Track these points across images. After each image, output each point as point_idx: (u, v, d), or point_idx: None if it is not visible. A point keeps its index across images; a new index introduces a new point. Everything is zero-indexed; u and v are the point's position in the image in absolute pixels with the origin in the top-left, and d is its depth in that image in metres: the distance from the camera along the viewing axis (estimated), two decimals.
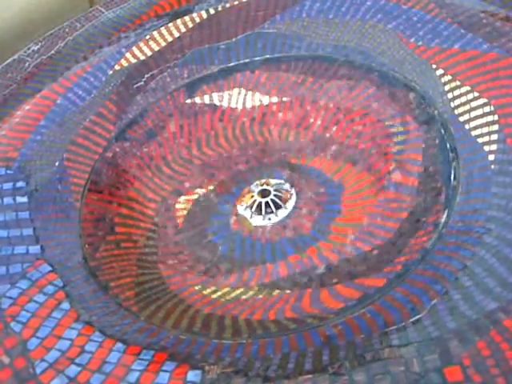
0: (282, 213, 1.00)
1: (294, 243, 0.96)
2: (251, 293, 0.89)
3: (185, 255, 0.98)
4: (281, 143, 1.11)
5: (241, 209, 1.03)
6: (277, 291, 0.89)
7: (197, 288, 0.92)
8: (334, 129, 1.07)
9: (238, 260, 0.96)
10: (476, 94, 0.91)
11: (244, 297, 0.89)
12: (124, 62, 1.15)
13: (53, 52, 1.21)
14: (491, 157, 0.83)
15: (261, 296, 0.89)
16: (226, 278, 0.93)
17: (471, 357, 0.61)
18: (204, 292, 0.91)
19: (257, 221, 1.00)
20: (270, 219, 1.00)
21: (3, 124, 1.07)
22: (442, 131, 0.92)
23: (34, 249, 0.87)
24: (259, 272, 0.93)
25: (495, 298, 0.67)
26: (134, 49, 1.17)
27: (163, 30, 1.19)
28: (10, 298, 0.80)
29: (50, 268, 0.84)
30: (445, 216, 0.82)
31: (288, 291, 0.88)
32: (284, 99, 1.12)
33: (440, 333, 0.65)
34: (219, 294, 0.90)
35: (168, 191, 1.08)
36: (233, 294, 0.90)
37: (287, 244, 0.96)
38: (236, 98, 1.14)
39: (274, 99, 1.13)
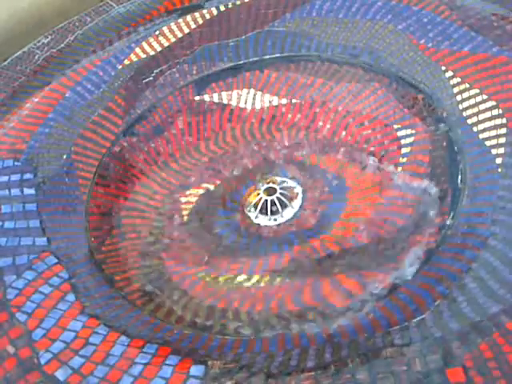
0: (287, 211, 1.01)
1: (297, 236, 0.97)
2: (254, 280, 0.90)
3: (190, 246, 0.99)
4: (289, 142, 1.11)
5: (246, 206, 1.03)
6: (278, 279, 0.89)
7: (199, 275, 0.92)
8: (344, 133, 1.08)
9: (242, 250, 0.97)
10: (485, 97, 0.91)
11: (247, 284, 0.89)
12: (133, 57, 1.16)
13: (62, 45, 1.22)
14: (498, 160, 0.83)
15: (262, 284, 0.89)
16: (229, 267, 0.93)
17: (473, 358, 0.62)
18: (207, 279, 0.91)
19: (262, 219, 1.01)
20: (275, 220, 1.00)
21: (12, 116, 1.07)
22: (450, 133, 0.92)
23: (41, 240, 0.88)
24: (262, 262, 0.93)
25: (499, 301, 0.67)
26: (144, 44, 1.17)
27: (173, 25, 1.20)
28: (16, 288, 0.80)
29: (55, 260, 0.85)
30: (450, 218, 0.82)
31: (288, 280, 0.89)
32: (293, 101, 1.12)
33: (443, 334, 0.65)
34: (222, 281, 0.90)
35: (175, 186, 1.08)
36: (235, 282, 0.90)
37: (291, 237, 0.97)
38: (245, 98, 1.14)
39: (284, 101, 1.13)
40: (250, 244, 0.98)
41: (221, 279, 0.91)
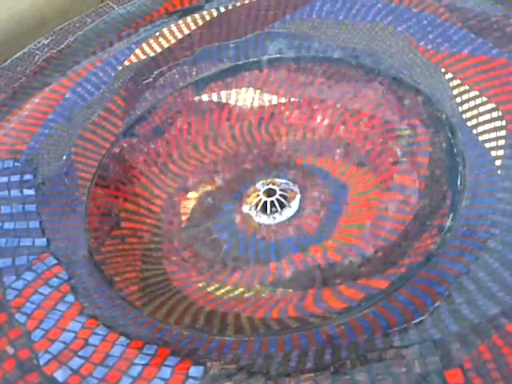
0: (287, 212, 1.01)
1: (298, 242, 0.97)
2: (254, 291, 0.90)
3: (189, 252, 0.99)
4: (288, 143, 1.11)
5: (246, 208, 1.03)
6: (280, 290, 0.89)
7: (200, 285, 0.92)
8: (341, 130, 1.08)
9: (242, 258, 0.96)
10: (484, 99, 0.91)
11: (247, 295, 0.89)
12: (133, 58, 1.16)
13: (63, 46, 1.22)
14: (498, 162, 0.83)
15: (264, 295, 0.89)
16: (229, 276, 0.93)
17: (472, 360, 0.62)
18: (207, 289, 0.91)
19: (262, 220, 1.01)
20: (274, 218, 1.00)
21: (12, 116, 1.07)
22: (450, 135, 0.92)
23: (40, 241, 0.88)
24: (263, 270, 0.93)
25: (498, 303, 0.67)
26: (144, 45, 1.18)
27: (173, 27, 1.20)
28: (16, 289, 0.80)
29: (55, 261, 0.85)
30: (450, 220, 0.82)
31: (291, 290, 0.89)
32: (292, 100, 1.13)
33: (442, 335, 0.65)
34: (222, 291, 0.91)
35: (174, 188, 1.08)
36: (236, 292, 0.90)
37: (291, 243, 0.97)
38: (244, 97, 1.14)
39: (283, 99, 1.13)
40: (249, 250, 0.98)
41: (222, 290, 0.91)
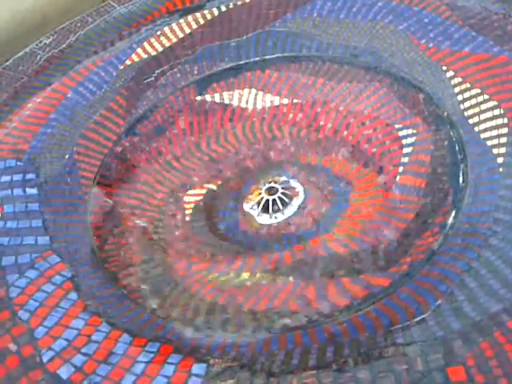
0: (289, 210, 1.01)
1: (299, 239, 0.97)
2: (255, 278, 0.90)
3: (191, 243, 0.99)
4: (291, 143, 1.12)
5: (248, 206, 1.04)
6: (280, 277, 0.90)
7: (202, 273, 0.92)
8: (345, 133, 1.08)
9: (243, 249, 0.97)
10: (486, 97, 0.91)
11: (249, 283, 0.90)
12: (135, 58, 1.16)
13: (64, 46, 1.22)
14: (500, 160, 0.83)
15: (264, 282, 0.89)
16: (231, 264, 0.94)
17: (475, 357, 0.62)
18: (209, 277, 0.91)
19: (264, 217, 1.01)
20: (276, 218, 1.00)
21: (14, 116, 1.07)
22: (451, 133, 0.92)
23: (43, 240, 0.88)
24: (264, 259, 0.94)
25: (500, 300, 0.67)
26: (145, 44, 1.18)
27: (174, 26, 1.20)
28: (19, 287, 0.81)
29: (58, 259, 0.85)
30: (452, 217, 0.82)
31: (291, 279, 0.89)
32: (295, 101, 1.13)
33: (444, 333, 0.65)
34: (224, 279, 0.91)
35: (176, 184, 1.08)
36: (238, 279, 0.90)
37: (293, 239, 0.97)
38: (246, 98, 1.14)
39: (285, 100, 1.13)
40: (251, 243, 0.98)
41: (222, 278, 0.91)
